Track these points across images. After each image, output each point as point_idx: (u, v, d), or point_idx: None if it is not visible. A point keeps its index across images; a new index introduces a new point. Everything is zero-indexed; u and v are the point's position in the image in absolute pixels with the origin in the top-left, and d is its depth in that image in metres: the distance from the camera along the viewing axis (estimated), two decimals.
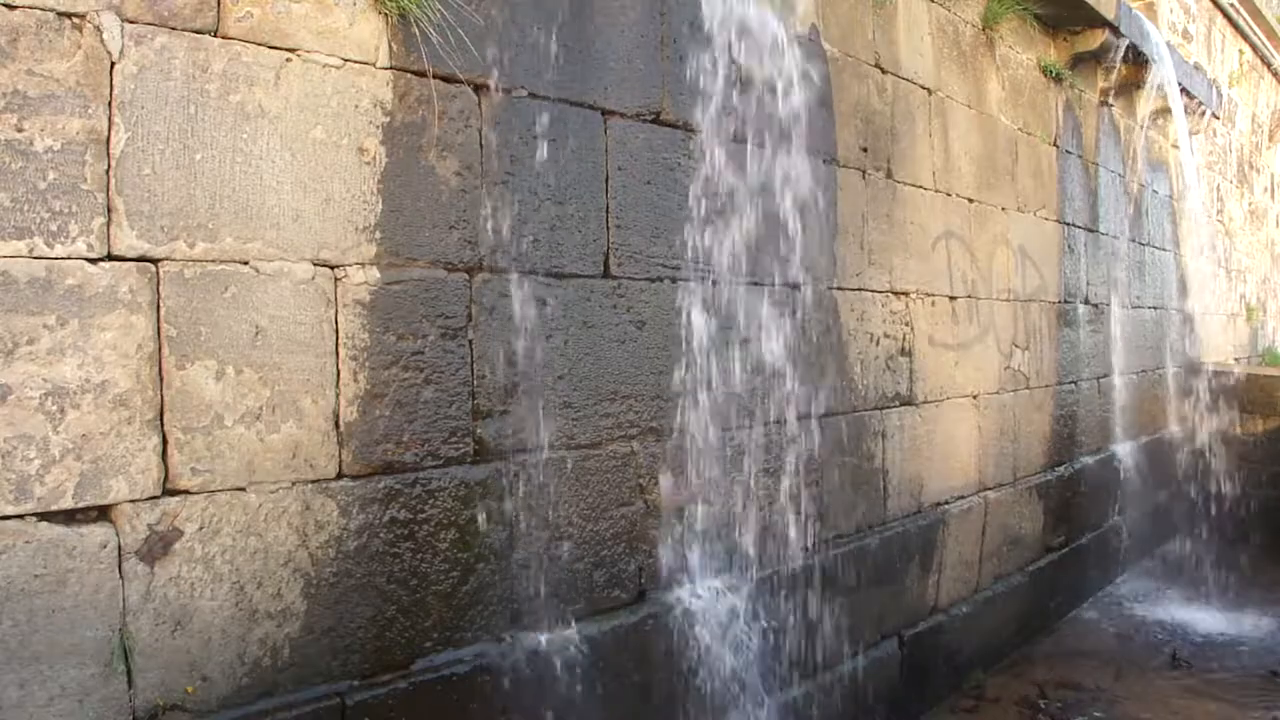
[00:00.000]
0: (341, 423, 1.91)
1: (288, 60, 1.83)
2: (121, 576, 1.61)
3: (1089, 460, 5.09)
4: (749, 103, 2.78)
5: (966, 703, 3.75)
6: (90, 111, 1.58)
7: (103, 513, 1.60)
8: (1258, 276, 9.04)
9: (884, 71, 3.47)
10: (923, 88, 3.70)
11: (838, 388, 3.20)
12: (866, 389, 3.36)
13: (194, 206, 1.70)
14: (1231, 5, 7.86)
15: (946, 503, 3.82)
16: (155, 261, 1.66)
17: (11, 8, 1.50)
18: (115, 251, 1.61)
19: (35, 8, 1.52)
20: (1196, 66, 6.52)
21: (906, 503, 3.58)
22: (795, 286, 2.99)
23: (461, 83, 2.10)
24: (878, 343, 3.42)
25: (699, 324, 2.64)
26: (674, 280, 2.61)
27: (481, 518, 2.14)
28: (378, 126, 1.97)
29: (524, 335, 2.22)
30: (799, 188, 2.96)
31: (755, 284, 2.83)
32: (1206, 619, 4.77)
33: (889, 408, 3.47)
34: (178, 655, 1.68)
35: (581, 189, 2.37)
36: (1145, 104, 5.72)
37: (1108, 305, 5.40)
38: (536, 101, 2.26)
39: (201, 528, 1.71)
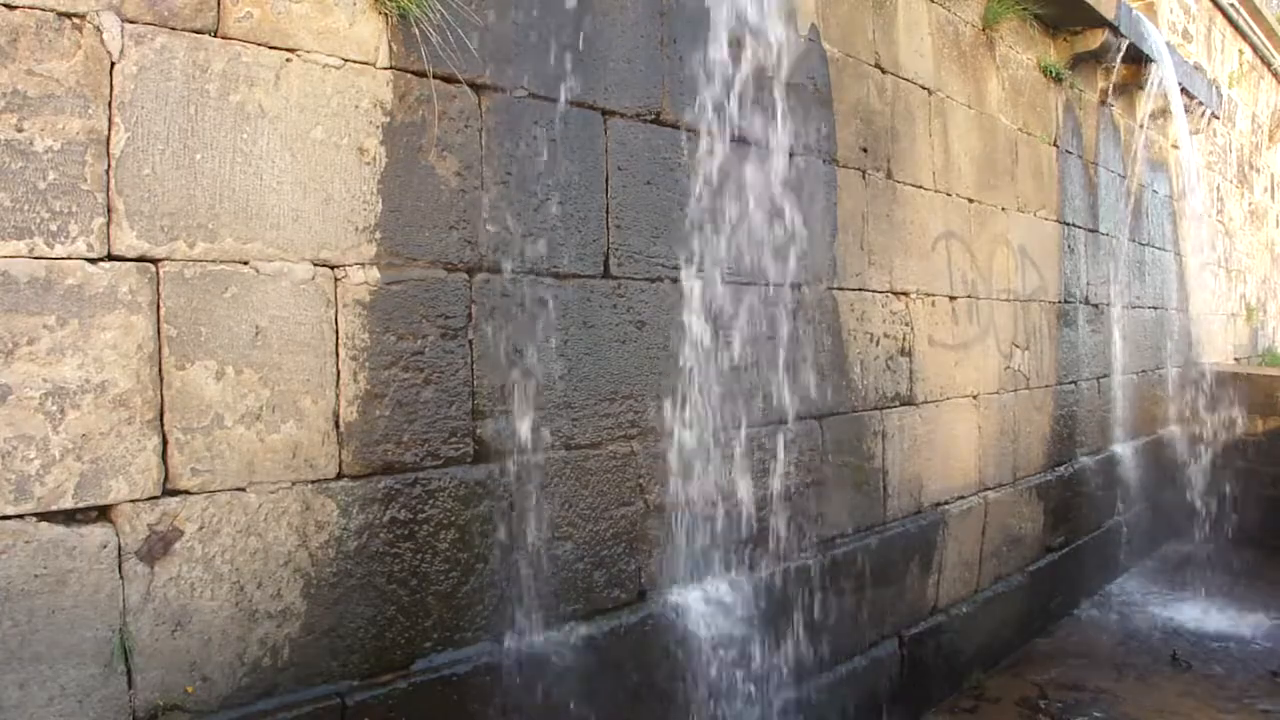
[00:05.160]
0: (341, 423, 1.91)
1: (288, 60, 1.83)
2: (121, 577, 1.61)
3: (1089, 460, 5.09)
4: (749, 103, 2.77)
5: (966, 703, 3.75)
6: (90, 111, 1.58)
7: (103, 513, 1.60)
8: (1258, 276, 9.04)
9: (884, 71, 3.47)
10: (923, 88, 3.70)
11: (838, 388, 3.20)
12: (866, 389, 3.36)
13: (194, 206, 1.70)
14: (1231, 5, 7.86)
15: (946, 503, 3.82)
16: (155, 261, 1.66)
17: (11, 8, 1.50)
18: (115, 251, 1.61)
19: (35, 8, 1.52)
20: (1196, 66, 6.52)
21: (906, 503, 3.58)
22: (795, 286, 2.99)
23: (461, 83, 2.10)
24: (878, 343, 3.42)
25: (699, 324, 2.64)
26: (674, 280, 2.60)
27: (481, 518, 2.14)
28: (378, 126, 1.97)
29: (524, 335, 2.22)
30: (799, 188, 2.96)
31: (755, 284, 2.83)
32: (1207, 619, 4.77)
33: (889, 408, 3.47)
34: (178, 655, 1.68)
35: (581, 189, 2.37)
36: (1145, 104, 5.72)
37: (1108, 305, 5.40)
38: (536, 101, 2.26)
39: (201, 528, 1.71)
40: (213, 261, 1.73)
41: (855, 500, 3.29)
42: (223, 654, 1.74)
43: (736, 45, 2.73)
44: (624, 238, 2.48)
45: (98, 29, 1.58)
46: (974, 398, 4.03)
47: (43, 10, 1.53)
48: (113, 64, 1.60)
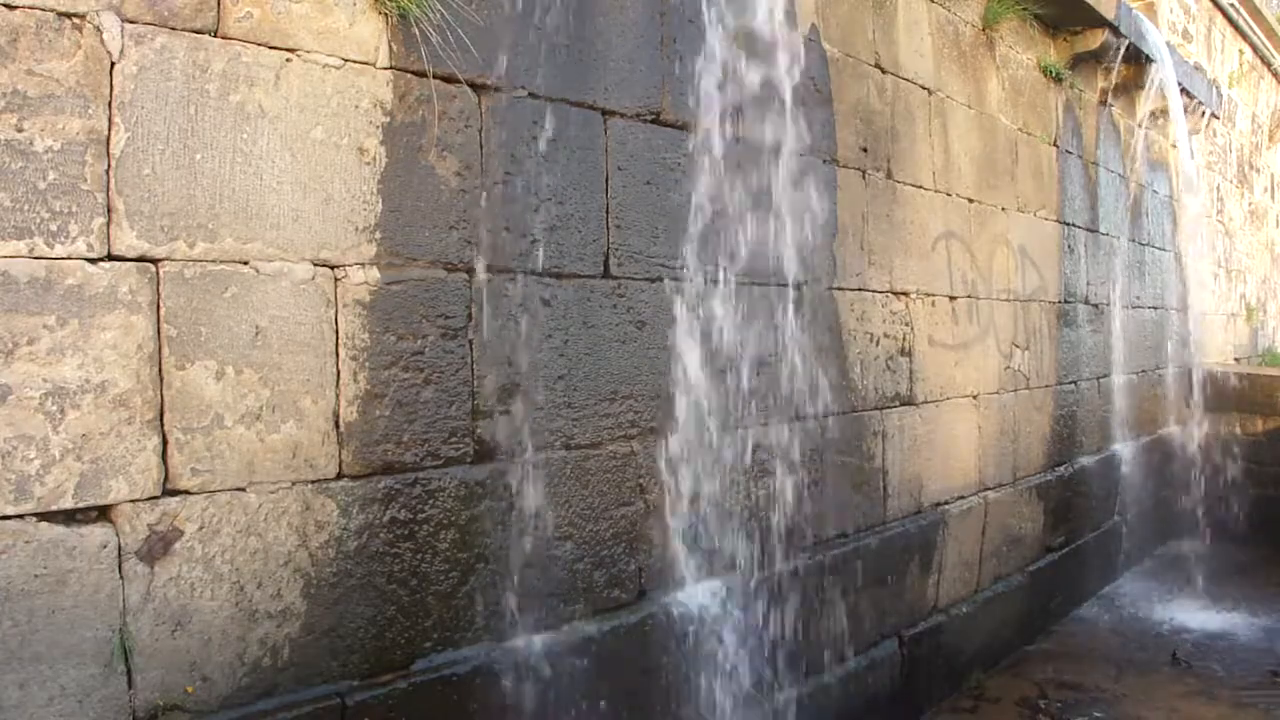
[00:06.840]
0: (341, 423, 1.91)
1: (288, 60, 1.83)
2: (121, 577, 1.61)
3: (1089, 460, 5.09)
4: (749, 103, 2.77)
5: (966, 703, 3.75)
6: (90, 111, 1.58)
7: (103, 513, 1.60)
8: (1258, 276, 9.03)
9: (884, 71, 3.47)
10: (923, 88, 3.70)
11: (838, 388, 3.20)
12: (866, 389, 3.36)
13: (194, 206, 1.70)
14: (1231, 5, 7.86)
15: (946, 503, 3.81)
16: (155, 261, 1.66)
17: (11, 8, 1.50)
18: (115, 251, 1.61)
19: (35, 8, 1.52)
20: (1196, 66, 6.52)
21: (906, 503, 3.58)
22: (795, 286, 2.99)
23: (461, 83, 2.10)
24: (878, 343, 3.42)
25: (699, 324, 2.64)
26: (674, 280, 2.61)
27: (481, 518, 2.14)
28: (378, 126, 1.97)
29: (524, 335, 2.22)
30: (799, 188, 2.96)
31: (755, 284, 2.83)
32: (1207, 619, 4.77)
33: (889, 408, 3.47)
34: (178, 655, 1.68)
35: (581, 189, 2.37)
36: (1145, 104, 5.72)
37: (1108, 305, 5.40)
38: (536, 101, 2.26)
39: (201, 528, 1.71)
40: (213, 261, 1.73)
41: (855, 500, 3.29)
42: (223, 654, 1.73)
43: (736, 45, 2.73)
44: (624, 238, 2.48)
45: (98, 29, 1.58)
46: (974, 398, 4.03)
47: (43, 10, 1.53)
48: (113, 64, 1.60)
